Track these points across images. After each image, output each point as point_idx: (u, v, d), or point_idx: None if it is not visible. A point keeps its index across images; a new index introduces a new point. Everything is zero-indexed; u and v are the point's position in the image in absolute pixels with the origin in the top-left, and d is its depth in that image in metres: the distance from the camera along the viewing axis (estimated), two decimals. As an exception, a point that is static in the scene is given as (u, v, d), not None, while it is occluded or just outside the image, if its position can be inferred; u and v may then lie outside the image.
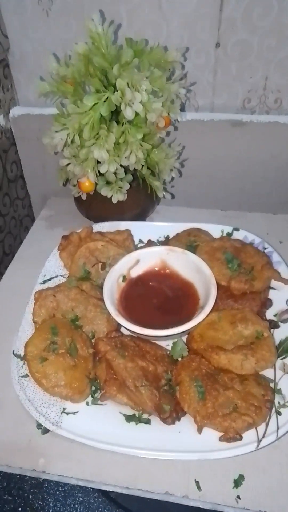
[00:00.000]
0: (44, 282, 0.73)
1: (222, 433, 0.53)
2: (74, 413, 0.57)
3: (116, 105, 0.65)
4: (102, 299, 0.66)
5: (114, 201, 0.77)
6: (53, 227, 0.92)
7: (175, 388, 0.58)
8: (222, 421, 0.52)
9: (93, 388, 0.59)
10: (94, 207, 0.84)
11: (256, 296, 0.66)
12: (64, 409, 0.57)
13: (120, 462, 0.54)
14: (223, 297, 0.66)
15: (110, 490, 0.54)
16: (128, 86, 0.63)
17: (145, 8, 0.79)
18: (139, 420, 0.56)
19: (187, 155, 0.94)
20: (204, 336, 0.62)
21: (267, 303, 0.67)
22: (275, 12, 0.77)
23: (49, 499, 0.63)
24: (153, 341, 0.65)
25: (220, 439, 0.53)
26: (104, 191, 0.76)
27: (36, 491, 0.64)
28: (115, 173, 0.74)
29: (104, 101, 0.65)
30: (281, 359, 0.60)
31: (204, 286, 0.66)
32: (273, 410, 0.55)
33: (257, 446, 0.51)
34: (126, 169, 0.75)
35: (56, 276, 0.75)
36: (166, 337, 0.63)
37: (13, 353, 0.63)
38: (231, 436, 0.51)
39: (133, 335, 0.64)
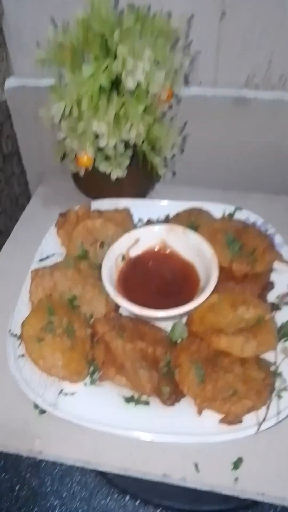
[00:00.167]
0: (41, 260, 0.71)
1: (222, 416, 0.52)
2: (72, 394, 0.56)
3: (116, 75, 0.62)
4: (100, 279, 0.64)
5: (113, 177, 0.74)
6: (49, 204, 0.89)
7: (174, 370, 0.57)
8: (222, 404, 0.51)
9: (91, 369, 0.58)
10: (92, 184, 0.82)
11: (258, 279, 0.65)
12: (62, 390, 0.56)
13: (118, 443, 0.53)
14: (224, 279, 0.64)
15: (108, 471, 0.53)
16: (130, 54, 0.59)
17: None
18: (137, 401, 0.55)
19: (188, 132, 0.91)
20: (204, 319, 0.60)
21: (269, 285, 0.66)
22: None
23: (46, 478, 0.63)
24: (152, 323, 0.63)
25: (220, 421, 0.52)
26: (103, 167, 0.73)
27: (33, 470, 0.64)
28: (114, 148, 0.71)
29: (104, 70, 0.61)
30: (283, 342, 0.59)
31: (205, 267, 0.65)
32: (274, 393, 0.54)
33: (258, 429, 0.51)
34: (126, 145, 0.72)
35: (53, 255, 0.73)
36: (166, 318, 0.61)
37: (9, 332, 0.62)
38: (231, 419, 0.51)
39: (131, 316, 0.63)
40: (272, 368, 0.57)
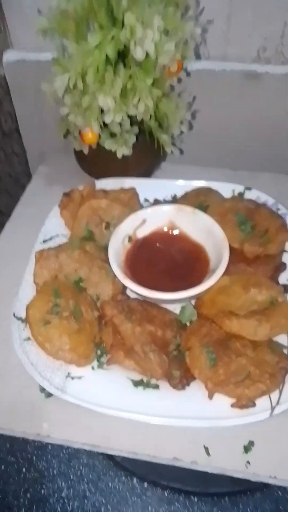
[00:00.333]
0: (45, 241, 0.69)
1: (234, 400, 0.51)
2: (79, 378, 0.55)
3: (124, 45, 0.58)
4: (106, 261, 0.62)
5: (119, 155, 0.71)
6: (52, 184, 0.87)
7: (184, 353, 0.55)
8: (235, 388, 0.50)
9: (99, 352, 0.57)
10: (96, 162, 0.79)
11: (270, 260, 0.63)
12: (69, 373, 0.55)
13: (127, 427, 0.52)
14: (235, 261, 0.63)
15: (117, 455, 0.53)
16: (139, 22, 0.56)
17: None
18: (147, 385, 0.54)
19: (196, 108, 0.87)
20: (215, 301, 0.59)
21: (281, 267, 0.64)
22: None
23: (53, 461, 0.63)
24: (160, 305, 0.62)
25: (233, 405, 0.51)
26: (108, 145, 0.70)
27: (40, 452, 0.63)
28: (120, 125, 0.68)
29: (111, 39, 0.58)
30: (296, 325, 0.58)
31: (215, 249, 0.63)
32: (287, 377, 0.53)
33: (271, 413, 0.50)
34: (132, 121, 0.69)
35: (57, 236, 0.70)
36: (176, 300, 0.60)
37: (14, 315, 0.60)
38: (244, 403, 0.50)
39: (139, 298, 0.61)
40: (285, 351, 0.55)
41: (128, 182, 0.76)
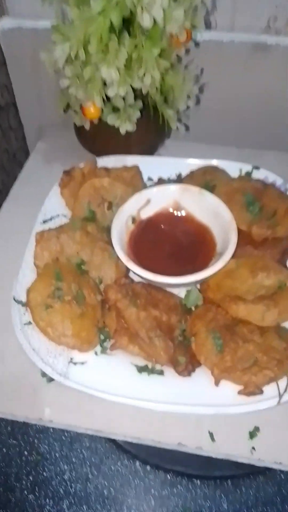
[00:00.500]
0: (45, 222, 0.67)
1: (241, 387, 0.50)
2: (82, 363, 0.54)
3: (130, 12, 0.54)
4: (109, 243, 0.60)
5: (122, 131, 0.68)
6: (51, 161, 0.83)
7: (189, 339, 0.54)
8: (242, 375, 0.49)
9: (102, 337, 0.55)
10: (98, 139, 0.75)
11: (278, 243, 0.61)
12: (72, 359, 0.54)
13: (131, 413, 0.51)
14: (242, 244, 0.60)
15: (120, 439, 0.52)
16: (146, -14, 0.52)
17: None
18: (151, 371, 0.53)
19: (202, 82, 0.83)
20: (221, 285, 0.57)
21: (289, 250, 0.62)
22: None
23: (55, 444, 0.62)
24: (165, 289, 0.60)
25: (240, 392, 0.50)
26: (111, 120, 0.67)
27: (41, 435, 0.63)
28: (123, 99, 0.64)
29: (116, 5, 0.54)
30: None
31: (222, 231, 0.60)
32: (295, 363, 0.52)
33: (279, 401, 0.49)
34: (136, 95, 0.66)
35: (57, 216, 0.68)
36: (181, 285, 0.58)
37: (14, 299, 0.58)
38: (252, 390, 0.49)
39: (143, 281, 0.59)
40: (293, 337, 0.54)
41: (130, 160, 0.73)
